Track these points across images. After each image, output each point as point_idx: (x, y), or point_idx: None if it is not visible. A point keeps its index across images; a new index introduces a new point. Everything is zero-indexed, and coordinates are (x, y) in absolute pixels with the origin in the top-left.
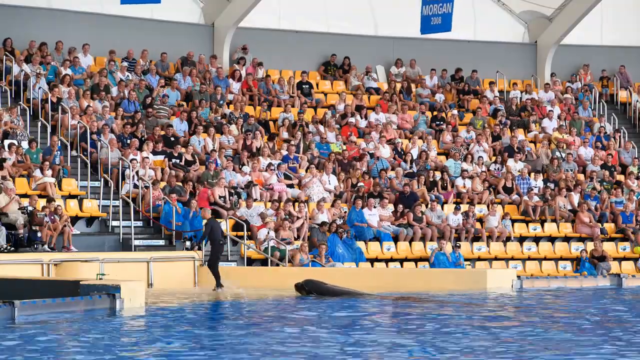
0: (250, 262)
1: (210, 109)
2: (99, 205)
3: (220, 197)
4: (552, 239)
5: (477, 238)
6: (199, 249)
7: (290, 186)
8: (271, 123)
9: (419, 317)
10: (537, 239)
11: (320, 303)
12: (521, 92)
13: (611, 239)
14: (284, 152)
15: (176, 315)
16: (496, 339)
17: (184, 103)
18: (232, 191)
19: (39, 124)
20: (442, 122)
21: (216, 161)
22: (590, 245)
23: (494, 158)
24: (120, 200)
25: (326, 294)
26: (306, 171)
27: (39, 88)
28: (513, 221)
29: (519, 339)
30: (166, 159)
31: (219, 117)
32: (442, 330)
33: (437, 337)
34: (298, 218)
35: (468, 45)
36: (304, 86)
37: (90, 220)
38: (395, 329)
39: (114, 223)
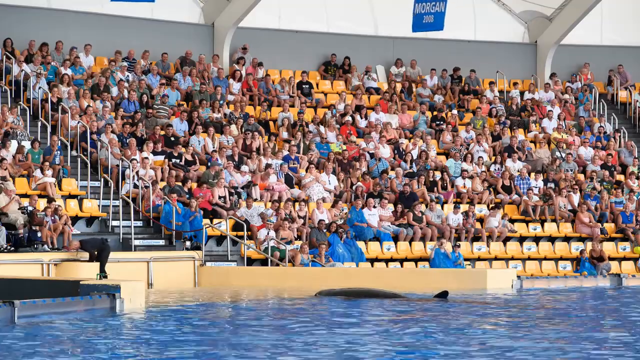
0: (250, 262)
1: (212, 109)
2: (99, 205)
3: (220, 197)
4: (552, 239)
5: (477, 238)
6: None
7: (291, 186)
8: (271, 123)
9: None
10: (537, 239)
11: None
12: (520, 92)
13: (611, 239)
14: (285, 152)
15: (176, 315)
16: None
17: (184, 103)
18: (232, 191)
19: (39, 124)
20: (442, 122)
21: (217, 161)
22: (590, 246)
23: (493, 158)
24: (120, 200)
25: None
26: (306, 171)
27: (39, 88)
28: (513, 221)
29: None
30: (166, 159)
31: (220, 117)
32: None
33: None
34: (298, 218)
35: (468, 45)
36: (304, 86)
37: (90, 220)
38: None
39: (114, 223)
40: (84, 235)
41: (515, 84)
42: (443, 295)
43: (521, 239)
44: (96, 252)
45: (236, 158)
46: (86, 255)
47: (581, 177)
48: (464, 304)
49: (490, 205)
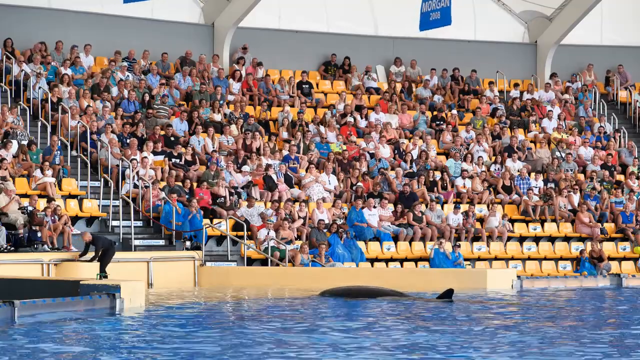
0: (250, 262)
1: (212, 109)
2: (99, 205)
3: (220, 197)
4: (552, 239)
5: (477, 238)
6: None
7: (290, 186)
8: (271, 123)
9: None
10: (537, 239)
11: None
12: (520, 92)
13: (611, 239)
14: (285, 152)
15: (176, 315)
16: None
17: (184, 103)
18: (232, 191)
19: (39, 124)
20: (442, 122)
21: (217, 161)
22: (590, 246)
23: (493, 158)
24: (120, 200)
25: (347, 295)
26: (306, 171)
27: (39, 88)
28: (513, 221)
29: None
30: (166, 159)
31: (220, 117)
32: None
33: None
34: (298, 218)
35: (468, 45)
36: (304, 86)
37: (90, 220)
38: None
39: (114, 223)
40: None
41: (516, 85)
42: (448, 294)
43: (521, 239)
44: (101, 252)
45: (240, 160)
46: (89, 254)
47: (581, 177)
48: (468, 303)
49: (490, 206)
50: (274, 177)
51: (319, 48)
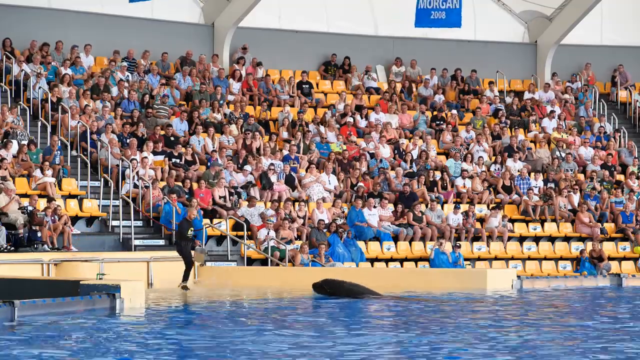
0: (250, 262)
1: (212, 109)
2: (99, 205)
3: (220, 197)
4: (552, 239)
5: (477, 238)
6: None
7: (293, 187)
8: (271, 123)
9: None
10: (537, 239)
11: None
12: (518, 93)
13: (611, 239)
14: (285, 152)
15: (176, 315)
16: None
17: (184, 103)
18: (232, 191)
19: (39, 124)
20: (442, 122)
21: (217, 161)
22: (590, 245)
23: (493, 158)
24: (120, 200)
25: (346, 294)
26: (306, 171)
27: (39, 88)
28: (513, 221)
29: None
30: (166, 159)
31: (220, 117)
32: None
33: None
34: (298, 218)
35: (468, 45)
36: (304, 86)
37: (90, 220)
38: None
39: (114, 223)
40: (84, 235)
41: (513, 91)
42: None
43: (521, 239)
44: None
45: (241, 160)
46: (89, 255)
47: (581, 177)
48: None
49: (491, 206)
50: (274, 177)
51: (319, 48)
